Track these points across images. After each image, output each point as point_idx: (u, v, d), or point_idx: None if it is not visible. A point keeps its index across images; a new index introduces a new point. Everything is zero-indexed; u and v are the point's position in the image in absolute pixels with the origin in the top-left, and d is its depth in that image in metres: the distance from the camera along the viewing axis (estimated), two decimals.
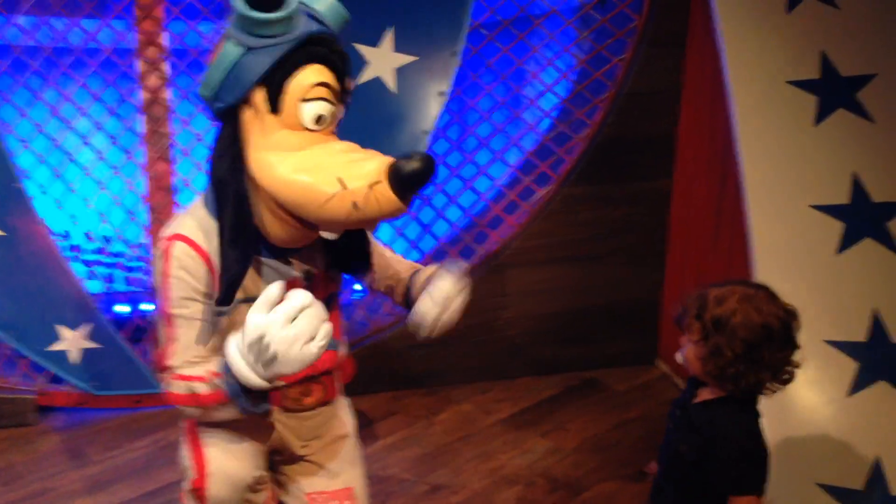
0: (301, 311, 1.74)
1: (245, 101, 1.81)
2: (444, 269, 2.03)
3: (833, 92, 2.88)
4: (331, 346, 2.14)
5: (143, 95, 3.19)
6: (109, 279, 3.32)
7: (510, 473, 2.83)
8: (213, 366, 1.86)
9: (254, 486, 2.11)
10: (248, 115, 1.83)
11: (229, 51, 1.78)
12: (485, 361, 3.37)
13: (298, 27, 1.78)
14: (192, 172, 3.21)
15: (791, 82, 2.90)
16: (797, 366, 1.77)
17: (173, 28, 3.16)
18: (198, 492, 2.04)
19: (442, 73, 3.20)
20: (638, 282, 3.42)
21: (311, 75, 1.80)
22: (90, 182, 3.19)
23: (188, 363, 1.88)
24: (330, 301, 2.14)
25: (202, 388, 1.84)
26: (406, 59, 3.13)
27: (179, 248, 1.90)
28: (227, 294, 1.89)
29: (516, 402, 3.25)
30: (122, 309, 3.39)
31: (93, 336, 3.16)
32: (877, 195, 2.78)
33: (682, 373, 3.37)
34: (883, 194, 2.78)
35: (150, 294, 3.26)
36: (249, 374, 1.78)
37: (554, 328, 3.39)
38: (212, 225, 1.92)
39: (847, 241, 2.76)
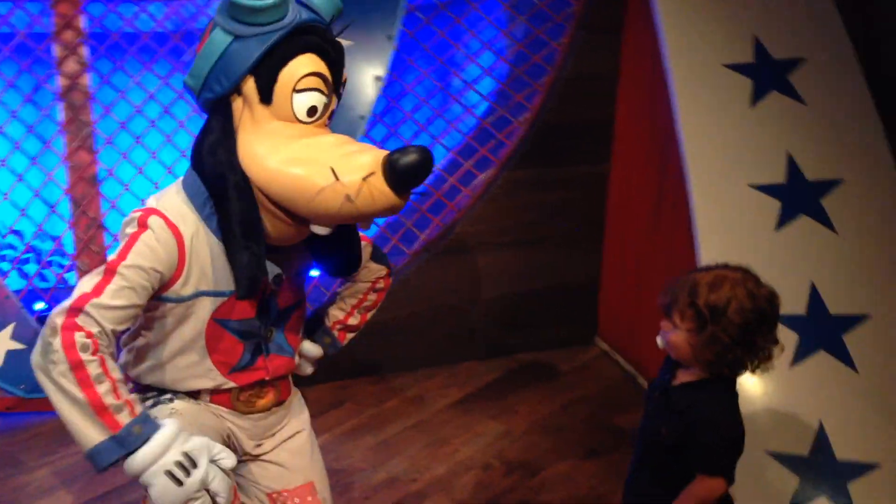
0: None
1: (235, 91, 1.76)
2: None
3: (766, 75, 2.98)
4: (288, 352, 2.11)
5: (60, 81, 3.06)
6: (30, 276, 3.17)
7: (465, 458, 2.83)
8: (131, 396, 1.74)
9: None
10: (237, 106, 1.78)
11: (218, 39, 1.73)
12: (428, 348, 3.36)
13: (290, 15, 1.73)
14: (117, 162, 3.09)
15: (727, 66, 2.98)
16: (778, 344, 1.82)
17: (92, 10, 3.04)
18: None
19: (377, 57, 3.17)
20: (577, 264, 3.47)
21: (305, 65, 1.76)
22: (5, 174, 3.04)
23: (102, 333, 1.73)
24: (294, 309, 2.09)
25: (108, 398, 1.69)
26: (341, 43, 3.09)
27: (157, 222, 1.83)
28: (250, 288, 1.84)
29: (462, 386, 3.25)
30: (45, 306, 3.24)
31: (16, 336, 3.01)
32: (810, 174, 2.88)
33: (622, 351, 3.44)
34: (816, 173, 2.89)
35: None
36: (151, 461, 1.70)
37: (496, 312, 3.41)
38: (189, 212, 1.85)
39: (784, 219, 2.85)
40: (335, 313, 2.24)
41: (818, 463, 2.61)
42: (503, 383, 3.29)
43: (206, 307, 1.94)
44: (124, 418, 1.72)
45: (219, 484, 1.77)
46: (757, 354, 1.77)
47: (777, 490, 2.60)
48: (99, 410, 1.71)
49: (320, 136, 1.80)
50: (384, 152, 1.73)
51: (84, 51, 3.09)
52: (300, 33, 1.75)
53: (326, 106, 1.81)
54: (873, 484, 2.56)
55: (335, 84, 1.83)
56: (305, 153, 1.74)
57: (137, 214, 1.84)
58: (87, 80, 3.12)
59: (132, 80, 3.07)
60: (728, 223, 2.85)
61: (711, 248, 2.82)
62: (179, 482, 1.72)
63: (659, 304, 1.84)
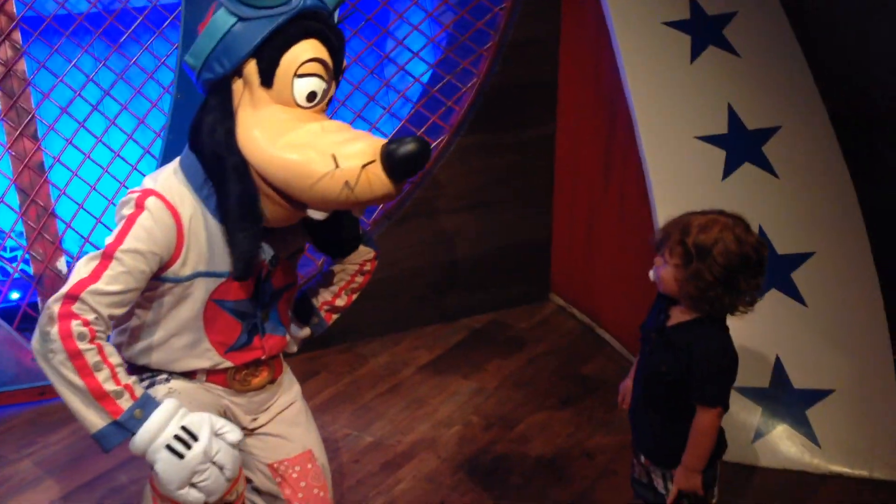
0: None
1: (236, 73, 1.77)
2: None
3: (703, 30, 3.11)
4: (280, 331, 2.15)
5: None
6: None
7: (445, 417, 2.92)
8: (130, 379, 1.78)
9: None
10: (238, 87, 1.79)
11: (221, 19, 1.74)
12: (394, 313, 3.43)
13: (294, 0, 1.74)
14: (64, 148, 3.03)
15: (666, 23, 3.10)
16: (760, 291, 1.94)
17: None
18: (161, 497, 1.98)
19: None
20: (529, 224, 3.57)
21: (307, 50, 1.77)
22: None
23: (99, 319, 1.76)
24: (287, 289, 2.13)
25: (108, 384, 1.74)
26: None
27: (155, 203, 1.84)
28: (245, 268, 1.86)
29: (430, 349, 3.34)
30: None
31: None
32: (750, 123, 3.04)
33: (577, 304, 3.57)
34: (755, 122, 3.05)
35: (33, 282, 3.09)
36: (152, 438, 1.75)
37: (456, 275, 3.50)
38: (188, 192, 1.87)
39: (730, 167, 3.01)
40: (323, 294, 2.28)
41: (778, 393, 2.79)
42: (469, 343, 3.38)
43: (203, 288, 1.95)
44: (125, 403, 1.76)
45: (224, 456, 1.81)
46: (739, 297, 1.89)
47: (743, 421, 2.77)
48: (99, 397, 1.75)
49: (319, 121, 1.82)
50: (382, 140, 1.76)
51: (18, 35, 3.01)
52: (304, 18, 1.76)
53: (326, 92, 1.83)
54: (829, 408, 2.76)
55: (335, 70, 1.85)
56: (304, 139, 1.76)
57: (135, 195, 1.84)
58: (23, 65, 3.05)
59: (70, 64, 3.01)
60: (678, 174, 2.99)
61: (664, 199, 2.96)
62: (180, 455, 1.76)
63: (653, 241, 1.94)
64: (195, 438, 1.76)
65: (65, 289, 1.76)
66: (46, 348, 1.74)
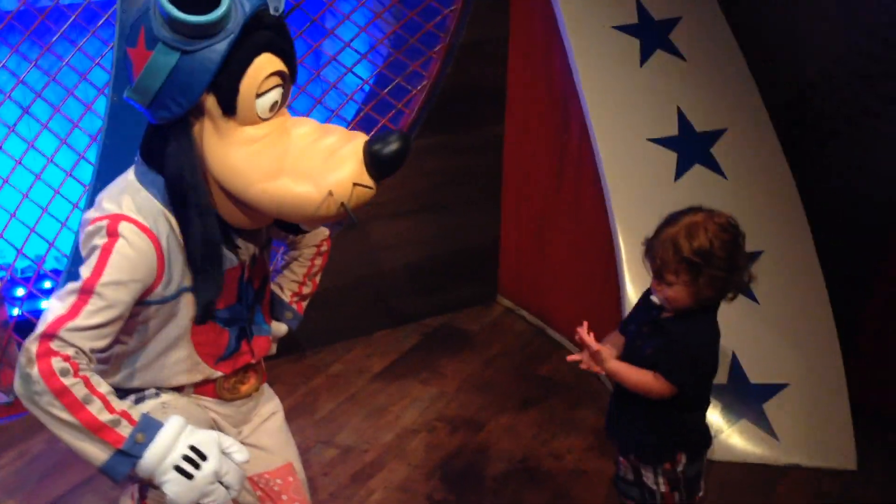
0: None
1: (197, 108, 1.67)
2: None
3: (650, 35, 3.18)
4: (265, 331, 2.09)
5: None
6: None
7: (409, 423, 2.89)
8: (123, 405, 1.69)
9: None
10: (198, 121, 1.69)
11: (163, 57, 1.62)
12: (343, 321, 3.36)
13: (234, 16, 1.62)
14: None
15: (615, 27, 3.15)
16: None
17: None
18: None
19: None
20: (478, 226, 3.56)
21: (263, 68, 1.67)
22: None
23: (80, 353, 1.67)
24: (265, 286, 2.08)
25: (102, 415, 1.65)
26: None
27: (128, 228, 1.73)
28: (205, 314, 1.83)
29: (383, 355, 3.29)
30: None
31: None
32: (698, 125, 3.13)
33: (527, 307, 3.58)
34: (703, 124, 3.13)
35: None
36: (159, 461, 1.68)
37: (405, 279, 3.46)
38: (158, 209, 1.77)
39: (681, 169, 3.08)
40: (289, 286, 2.23)
41: (736, 388, 2.87)
42: (422, 348, 3.35)
43: (190, 302, 1.88)
44: (124, 430, 1.67)
45: (232, 477, 1.75)
46: (742, 273, 1.94)
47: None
48: (96, 429, 1.66)
49: (291, 130, 1.75)
50: (361, 142, 1.72)
51: None
52: (249, 31, 1.65)
53: (285, 95, 1.76)
54: (784, 401, 2.85)
55: (291, 73, 1.76)
56: (289, 163, 1.70)
57: (104, 223, 1.72)
58: None
59: None
60: (633, 176, 3.04)
61: (620, 200, 3.01)
62: (190, 476, 1.69)
63: (650, 270, 1.94)
64: (204, 458, 1.69)
65: (41, 328, 1.66)
66: (31, 391, 1.64)
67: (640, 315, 2.09)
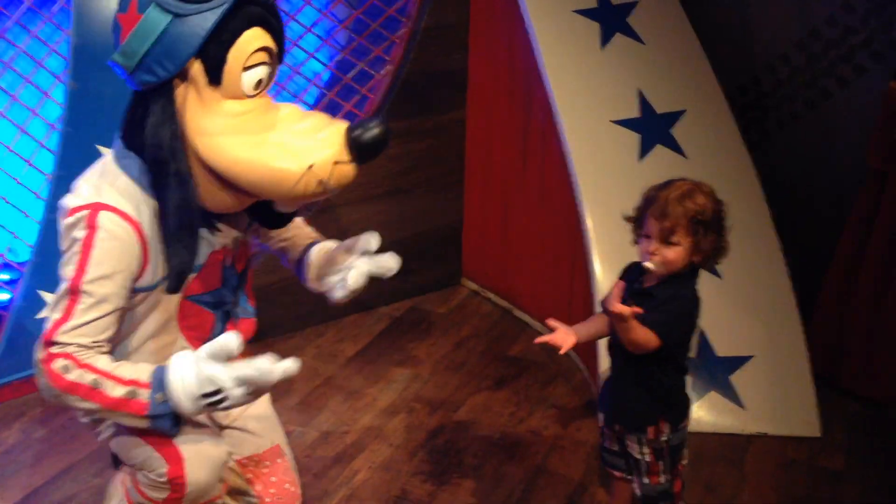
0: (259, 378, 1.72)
1: (179, 73, 1.68)
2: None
3: (609, 19, 3.25)
4: (251, 313, 2.10)
5: None
6: None
7: (387, 405, 2.91)
8: (131, 371, 1.73)
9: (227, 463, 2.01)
10: (181, 88, 1.70)
11: (154, 18, 1.62)
12: (311, 307, 3.34)
13: None
14: None
15: (576, 11, 3.21)
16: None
17: None
18: (176, 481, 1.89)
19: None
20: (442, 210, 3.60)
21: (252, 41, 1.68)
22: None
23: (82, 347, 1.71)
24: (248, 269, 2.08)
25: (116, 391, 1.70)
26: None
27: (108, 218, 1.73)
28: (178, 282, 1.81)
29: (356, 339, 3.30)
30: None
31: None
32: (659, 107, 3.20)
33: (493, 288, 3.62)
34: (663, 106, 3.21)
35: None
36: (188, 407, 1.71)
37: None
38: (139, 194, 1.77)
39: (644, 149, 3.15)
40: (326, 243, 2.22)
41: (704, 362, 2.95)
42: (393, 331, 3.37)
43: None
44: (143, 396, 1.71)
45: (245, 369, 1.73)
46: (726, 236, 2.04)
47: None
48: (118, 405, 1.71)
49: (273, 111, 1.77)
50: (342, 127, 1.74)
51: None
52: (241, 4, 1.66)
53: (271, 76, 1.78)
54: (749, 372, 2.94)
55: (279, 53, 1.78)
56: (271, 139, 1.71)
57: (83, 213, 1.72)
58: None
59: None
60: (598, 157, 3.10)
61: (587, 181, 3.07)
62: (220, 401, 1.70)
63: (657, 231, 1.98)
64: (218, 389, 1.69)
65: (42, 335, 1.71)
66: (51, 395, 1.72)
67: (624, 289, 2.13)
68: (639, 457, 2.14)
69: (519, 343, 3.30)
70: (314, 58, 3.27)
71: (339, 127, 1.74)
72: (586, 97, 3.14)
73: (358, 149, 1.71)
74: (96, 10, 2.78)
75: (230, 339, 1.71)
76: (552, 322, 2.18)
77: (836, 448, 2.80)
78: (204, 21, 1.63)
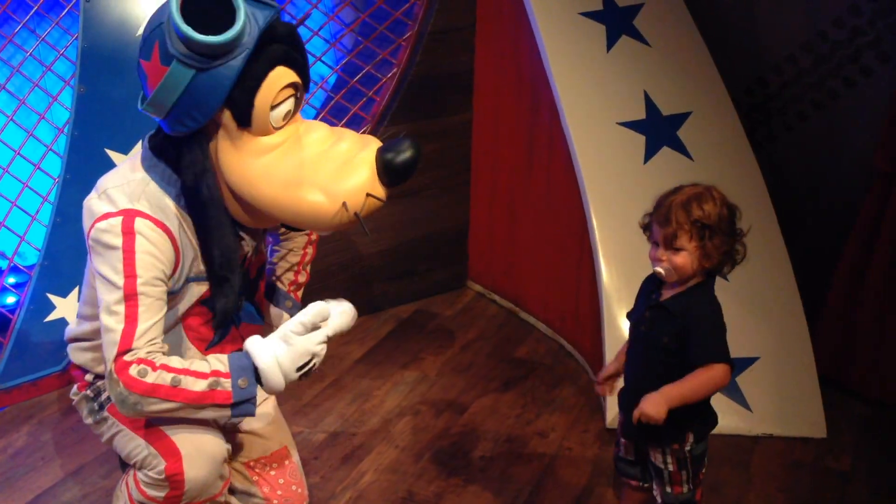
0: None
1: (214, 121, 1.72)
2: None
3: (615, 21, 3.25)
4: (258, 320, 2.12)
5: None
6: None
7: (393, 407, 2.91)
8: (206, 364, 1.77)
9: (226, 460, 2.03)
10: (213, 133, 1.74)
11: (178, 74, 1.64)
12: None
13: (248, 31, 1.64)
14: None
15: (582, 13, 3.21)
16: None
17: None
18: (174, 478, 1.90)
19: None
20: (448, 212, 3.60)
21: (277, 81, 1.71)
22: None
23: (151, 351, 1.76)
24: (260, 277, 2.10)
25: (198, 385, 1.74)
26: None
27: (144, 225, 1.77)
28: (223, 320, 1.93)
29: (362, 342, 3.31)
30: None
31: None
32: (665, 109, 3.20)
33: (498, 290, 3.62)
34: (669, 108, 3.20)
35: None
36: (285, 383, 1.79)
37: (379, 266, 3.48)
38: (169, 203, 1.81)
39: (650, 152, 3.15)
40: (286, 276, 2.26)
41: None
42: (399, 333, 3.37)
43: (194, 292, 1.92)
44: (225, 385, 1.75)
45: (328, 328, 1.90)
46: (739, 243, 2.02)
47: None
48: (202, 399, 1.74)
49: (304, 137, 1.79)
50: (374, 148, 1.77)
51: None
52: (263, 43, 1.67)
53: (298, 103, 1.80)
54: (755, 374, 2.94)
55: (304, 82, 1.80)
56: (305, 174, 1.74)
57: (116, 220, 1.75)
58: None
59: None
60: (604, 159, 3.11)
61: (593, 183, 3.07)
62: (311, 371, 1.84)
63: (661, 237, 1.97)
64: (310, 354, 1.81)
65: (112, 352, 1.73)
66: (130, 404, 1.74)
67: (641, 301, 2.13)
68: (662, 466, 2.12)
69: (525, 345, 3.30)
70: (321, 61, 3.28)
71: (370, 151, 1.76)
72: (592, 99, 3.14)
73: (390, 173, 1.75)
74: (104, 14, 2.80)
75: (320, 307, 1.82)
76: (601, 389, 2.23)
77: (842, 449, 2.79)
78: (228, 71, 1.64)
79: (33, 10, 2.82)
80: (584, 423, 2.86)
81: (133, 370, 1.71)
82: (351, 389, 3.01)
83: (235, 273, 1.84)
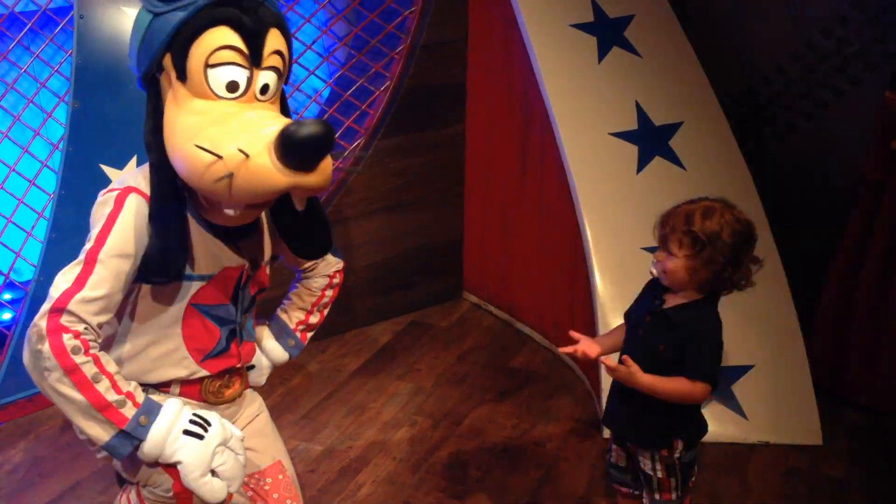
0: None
1: (159, 68, 1.72)
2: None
3: (606, 33, 3.28)
4: (254, 338, 2.11)
5: None
6: None
7: (390, 419, 2.92)
8: (128, 385, 1.72)
9: None
10: (164, 83, 1.74)
11: (141, 18, 1.73)
12: None
13: None
14: None
15: (573, 25, 3.24)
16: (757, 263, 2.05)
17: None
18: (182, 495, 1.89)
19: None
20: (442, 224, 3.62)
21: (214, 39, 1.69)
22: None
23: (89, 330, 1.69)
24: (258, 295, 2.09)
25: (110, 395, 1.68)
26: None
27: (137, 200, 1.76)
28: (163, 265, 1.76)
29: (358, 354, 3.31)
30: None
31: None
32: (656, 119, 3.22)
33: (493, 301, 3.64)
34: (661, 118, 3.23)
35: None
36: (157, 448, 1.72)
37: (375, 278, 3.49)
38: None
39: (642, 162, 3.17)
40: (296, 314, 2.23)
41: None
42: (395, 345, 3.38)
43: (184, 291, 1.89)
44: (129, 411, 1.70)
45: (236, 444, 1.80)
46: (742, 272, 1.99)
47: None
48: (102, 409, 1.68)
49: (234, 112, 1.70)
50: (283, 123, 1.65)
51: None
52: (218, 5, 1.69)
53: (250, 80, 1.73)
54: (751, 382, 2.96)
55: (255, 57, 1.72)
56: (207, 130, 1.68)
57: (114, 193, 1.75)
58: None
59: None
60: (597, 169, 3.12)
61: (586, 193, 3.09)
62: (200, 436, 1.73)
63: (657, 237, 1.99)
64: (208, 423, 1.75)
65: (49, 302, 1.67)
66: (41, 367, 1.66)
67: (643, 303, 2.13)
68: (651, 473, 2.13)
69: (521, 355, 3.31)
70: (314, 75, 3.30)
71: (279, 124, 1.64)
72: (584, 110, 3.17)
73: (287, 145, 1.58)
74: (98, 31, 2.82)
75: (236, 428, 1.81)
76: (575, 334, 2.18)
77: (837, 456, 2.81)
78: (173, 18, 1.69)
79: (27, 27, 2.84)
80: (580, 432, 2.87)
81: (67, 340, 1.65)
82: (347, 401, 3.01)
83: (171, 217, 1.75)
